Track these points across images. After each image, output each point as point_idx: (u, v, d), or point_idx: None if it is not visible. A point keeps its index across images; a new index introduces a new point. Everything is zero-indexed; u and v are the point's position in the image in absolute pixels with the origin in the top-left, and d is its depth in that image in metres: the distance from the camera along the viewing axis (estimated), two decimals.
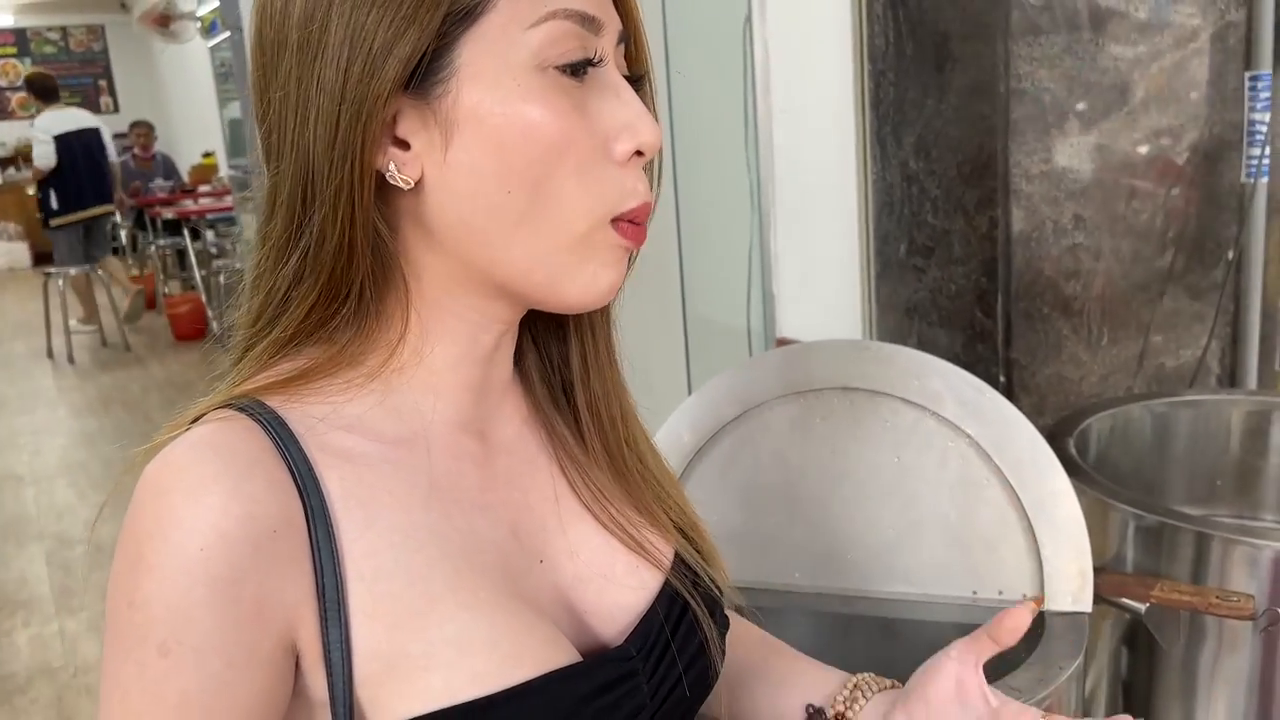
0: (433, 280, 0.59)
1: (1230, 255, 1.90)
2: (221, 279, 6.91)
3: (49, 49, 11.83)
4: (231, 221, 6.95)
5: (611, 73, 0.58)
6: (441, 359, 0.61)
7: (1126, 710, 1.47)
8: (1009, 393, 1.77)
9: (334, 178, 0.54)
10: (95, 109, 11.80)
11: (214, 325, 7.13)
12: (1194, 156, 1.83)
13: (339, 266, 0.56)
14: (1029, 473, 1.13)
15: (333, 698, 0.53)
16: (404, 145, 0.56)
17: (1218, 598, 1.08)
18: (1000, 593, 1.13)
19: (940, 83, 1.76)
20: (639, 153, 0.58)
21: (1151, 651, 1.41)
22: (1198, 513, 1.46)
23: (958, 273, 1.81)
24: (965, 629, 1.21)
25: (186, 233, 7.52)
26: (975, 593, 1.14)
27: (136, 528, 0.51)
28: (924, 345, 1.87)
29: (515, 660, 0.55)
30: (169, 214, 7.69)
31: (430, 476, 0.60)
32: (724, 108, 2.03)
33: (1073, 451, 1.52)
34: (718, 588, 0.70)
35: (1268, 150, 1.84)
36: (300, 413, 0.57)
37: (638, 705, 0.60)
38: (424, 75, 0.54)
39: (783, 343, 2.30)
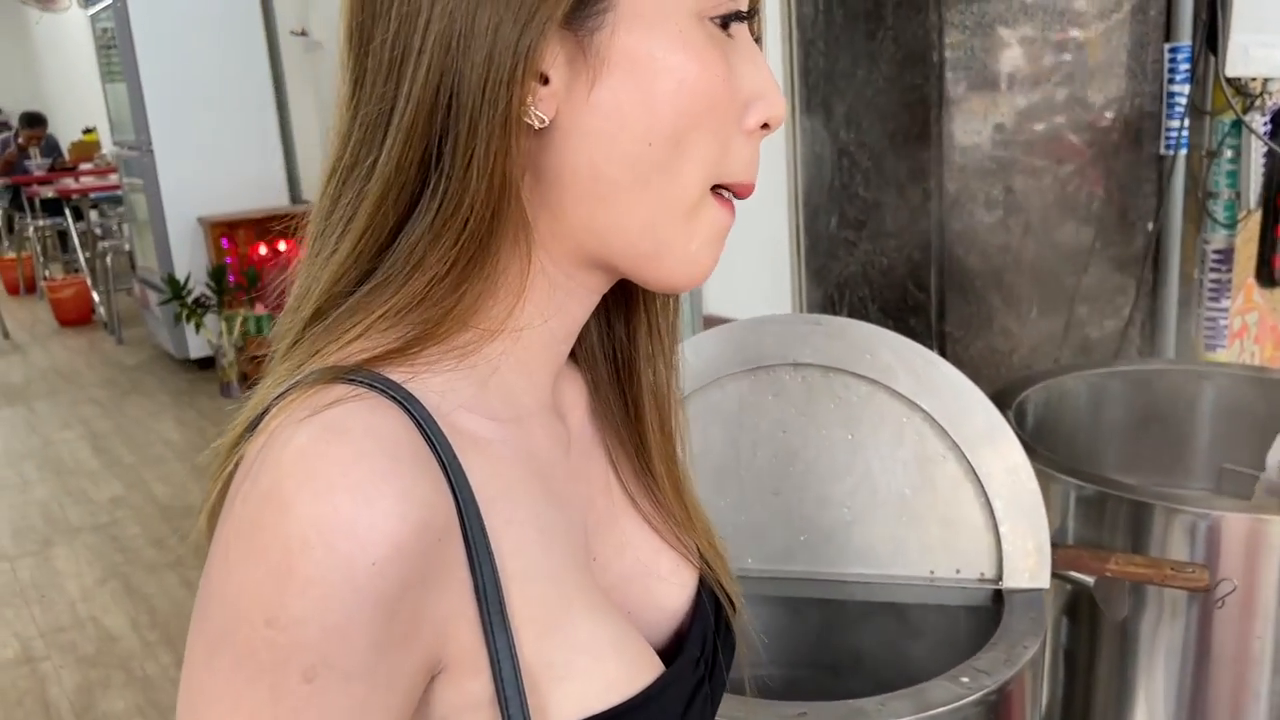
0: (541, 239, 0.53)
1: (1150, 227, 1.92)
2: (109, 261, 6.57)
3: None
4: (117, 201, 6.59)
5: (747, 33, 0.54)
6: (536, 330, 0.54)
7: (1068, 679, 1.47)
8: None
9: (488, 115, 0.48)
10: None
11: (100, 310, 6.78)
12: (1117, 128, 1.84)
13: (483, 222, 0.49)
14: (985, 447, 1.11)
15: (506, 712, 0.47)
16: (543, 80, 0.49)
17: (1172, 569, 1.08)
18: (958, 571, 1.11)
19: (871, 51, 1.73)
20: (765, 125, 0.54)
21: (1093, 621, 1.41)
22: (1131, 480, 1.46)
23: (889, 246, 1.79)
24: (923, 609, 1.19)
25: (68, 212, 7.13)
26: (933, 572, 1.11)
27: (282, 530, 0.43)
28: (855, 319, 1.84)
29: (635, 665, 0.52)
30: (49, 193, 7.29)
31: (539, 464, 0.55)
32: None
33: (1012, 424, 1.51)
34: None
35: (1186, 122, 1.86)
36: (424, 389, 0.49)
37: (708, 708, 0.59)
38: (583, 3, 0.49)
39: (710, 320, 2.25)
